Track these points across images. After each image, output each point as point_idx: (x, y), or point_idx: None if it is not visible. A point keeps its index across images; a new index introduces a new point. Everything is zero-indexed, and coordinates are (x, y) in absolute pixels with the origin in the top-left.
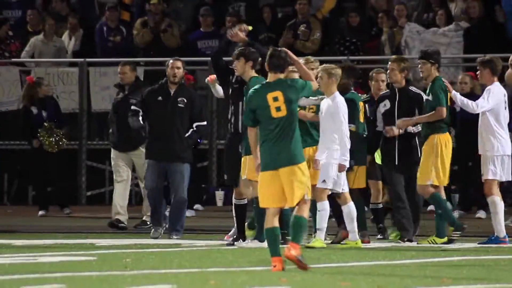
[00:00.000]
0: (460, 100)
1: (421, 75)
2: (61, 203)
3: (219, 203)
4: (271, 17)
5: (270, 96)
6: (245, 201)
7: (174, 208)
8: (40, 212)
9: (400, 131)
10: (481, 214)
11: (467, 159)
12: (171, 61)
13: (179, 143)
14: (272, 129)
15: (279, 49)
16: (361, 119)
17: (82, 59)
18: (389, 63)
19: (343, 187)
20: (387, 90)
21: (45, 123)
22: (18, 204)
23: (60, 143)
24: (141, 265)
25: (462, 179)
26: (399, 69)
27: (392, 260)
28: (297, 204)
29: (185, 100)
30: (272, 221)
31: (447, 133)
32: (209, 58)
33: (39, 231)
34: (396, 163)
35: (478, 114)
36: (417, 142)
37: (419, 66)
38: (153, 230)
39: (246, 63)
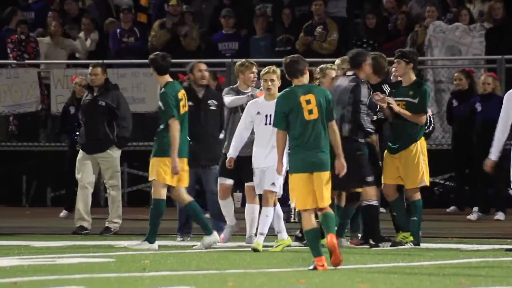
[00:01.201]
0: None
1: (396, 73)
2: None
3: (237, 204)
4: (291, 17)
5: (303, 99)
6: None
7: (216, 208)
8: (63, 213)
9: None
10: (500, 216)
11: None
12: (196, 63)
13: (214, 145)
14: (304, 132)
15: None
16: None
17: (100, 61)
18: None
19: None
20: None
21: None
22: (36, 206)
23: None
24: (160, 267)
25: (479, 180)
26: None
27: (411, 261)
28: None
29: (216, 102)
30: (311, 222)
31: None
32: (229, 60)
33: (57, 232)
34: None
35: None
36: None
37: (394, 65)
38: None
39: None
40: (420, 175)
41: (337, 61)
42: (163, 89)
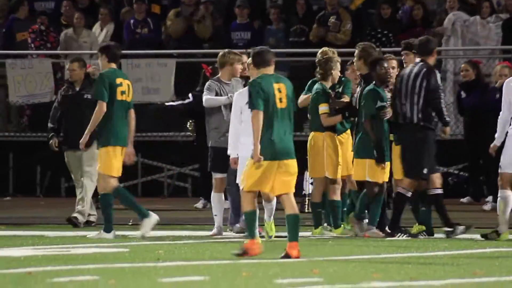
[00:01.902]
0: None
1: (404, 66)
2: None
3: None
4: (306, 8)
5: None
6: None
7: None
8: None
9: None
10: None
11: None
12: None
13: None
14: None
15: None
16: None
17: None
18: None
19: None
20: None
21: None
22: (50, 196)
23: None
24: (174, 257)
25: (493, 170)
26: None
27: (425, 252)
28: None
29: None
30: (253, 204)
31: None
32: (242, 50)
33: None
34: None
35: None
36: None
37: (403, 57)
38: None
39: None
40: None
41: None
42: (101, 73)
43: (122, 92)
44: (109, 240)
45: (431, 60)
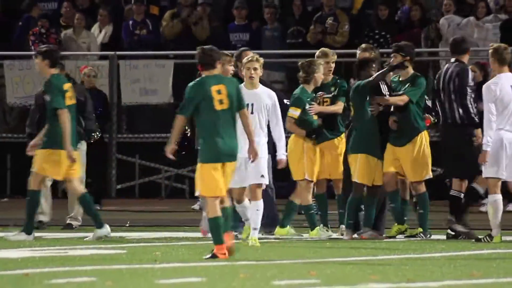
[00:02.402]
0: None
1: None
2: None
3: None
4: (302, 9)
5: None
6: None
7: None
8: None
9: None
10: (511, 207)
11: None
12: (244, 51)
13: None
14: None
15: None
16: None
17: (112, 52)
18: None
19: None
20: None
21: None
22: None
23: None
24: (171, 258)
25: None
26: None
27: (422, 253)
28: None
29: None
30: (217, 210)
31: None
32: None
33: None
34: None
35: None
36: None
37: (392, 60)
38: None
39: None
40: (425, 167)
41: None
42: (48, 81)
43: (70, 98)
44: (26, 240)
45: (465, 59)
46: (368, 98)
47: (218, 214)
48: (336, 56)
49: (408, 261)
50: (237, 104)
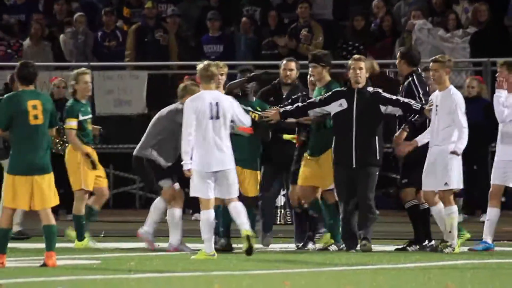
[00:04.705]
0: None
1: (311, 78)
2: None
3: None
4: (277, 21)
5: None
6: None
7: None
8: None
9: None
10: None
11: (472, 162)
12: (284, 62)
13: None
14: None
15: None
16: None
17: (86, 63)
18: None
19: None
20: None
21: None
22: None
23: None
24: (146, 269)
25: (467, 182)
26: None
27: (397, 263)
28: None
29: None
30: (9, 222)
31: None
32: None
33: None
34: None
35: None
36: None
37: (310, 70)
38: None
39: None
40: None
41: None
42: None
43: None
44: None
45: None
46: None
47: (10, 226)
48: (227, 68)
49: (383, 271)
50: (51, 120)
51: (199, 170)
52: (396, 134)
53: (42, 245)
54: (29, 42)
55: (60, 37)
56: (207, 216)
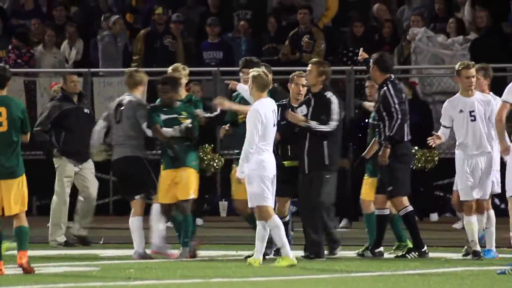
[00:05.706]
0: None
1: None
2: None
3: (223, 213)
4: (276, 26)
5: None
6: None
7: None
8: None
9: None
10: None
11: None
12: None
13: None
14: None
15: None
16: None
17: (86, 69)
18: (309, 65)
19: None
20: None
21: None
22: None
23: None
24: (145, 276)
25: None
26: (317, 72)
27: (396, 270)
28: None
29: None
30: None
31: None
32: (214, 69)
33: (42, 241)
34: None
35: None
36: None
37: (241, 74)
38: None
39: None
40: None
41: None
42: None
43: None
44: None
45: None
46: None
47: None
48: (187, 71)
49: (382, 278)
50: (20, 127)
51: None
52: (380, 154)
53: (39, 252)
54: (41, 48)
55: (63, 45)
56: (275, 223)
